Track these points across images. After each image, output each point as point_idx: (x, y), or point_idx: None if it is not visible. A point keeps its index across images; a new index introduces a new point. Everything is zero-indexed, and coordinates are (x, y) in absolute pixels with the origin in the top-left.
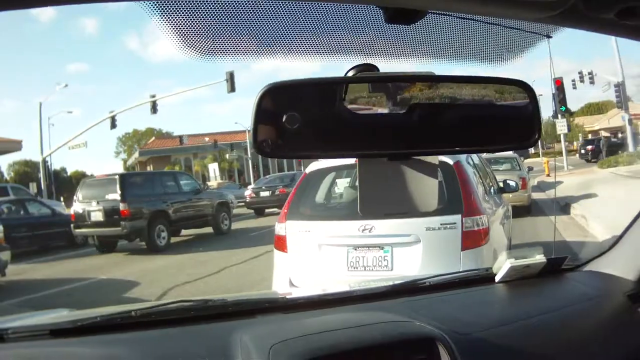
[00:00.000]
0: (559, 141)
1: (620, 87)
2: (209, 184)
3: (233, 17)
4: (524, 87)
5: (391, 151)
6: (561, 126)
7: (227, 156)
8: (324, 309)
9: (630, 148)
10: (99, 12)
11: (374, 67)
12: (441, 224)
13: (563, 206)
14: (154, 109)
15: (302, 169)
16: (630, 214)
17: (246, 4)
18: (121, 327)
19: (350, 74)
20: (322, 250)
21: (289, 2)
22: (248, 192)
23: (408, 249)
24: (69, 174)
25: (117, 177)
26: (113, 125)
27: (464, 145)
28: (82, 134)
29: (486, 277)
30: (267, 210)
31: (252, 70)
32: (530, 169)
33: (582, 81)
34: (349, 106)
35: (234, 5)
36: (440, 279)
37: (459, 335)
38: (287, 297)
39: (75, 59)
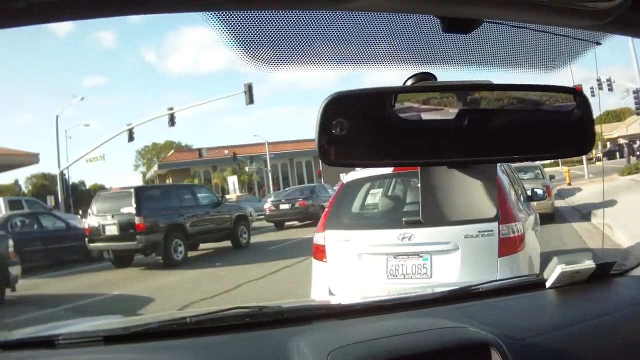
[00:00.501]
0: None
1: (639, 94)
2: (228, 196)
3: (295, 28)
4: (576, 94)
5: (450, 159)
6: None
7: (246, 169)
8: (378, 315)
9: None
10: (116, 24)
11: (431, 76)
12: (479, 232)
13: (585, 214)
14: (171, 121)
15: (322, 181)
16: None
17: (306, 16)
18: (175, 334)
19: (409, 82)
20: (362, 259)
21: (348, 14)
22: (268, 204)
23: (447, 257)
24: (87, 187)
25: (132, 190)
26: (131, 138)
27: (521, 152)
28: (100, 147)
29: (536, 283)
30: (287, 224)
31: (270, 83)
32: (552, 177)
33: (600, 88)
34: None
35: (295, 18)
36: (491, 286)
37: (512, 341)
38: (342, 303)
39: (92, 72)
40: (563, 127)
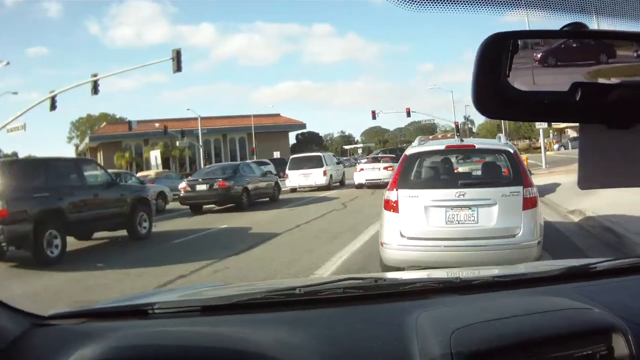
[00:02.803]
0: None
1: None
2: (146, 173)
3: None
4: None
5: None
6: None
7: (177, 143)
8: (499, 291)
9: None
10: None
11: (583, 26)
12: (510, 192)
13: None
14: (95, 89)
15: (255, 158)
16: None
17: None
18: (282, 305)
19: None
20: (427, 210)
21: None
22: (182, 184)
23: (488, 209)
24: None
25: None
26: (53, 106)
27: None
28: (31, 117)
29: None
30: (205, 207)
31: (209, 59)
32: None
33: None
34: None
35: None
36: (611, 264)
37: (636, 326)
38: (461, 277)
39: (36, 42)
40: None
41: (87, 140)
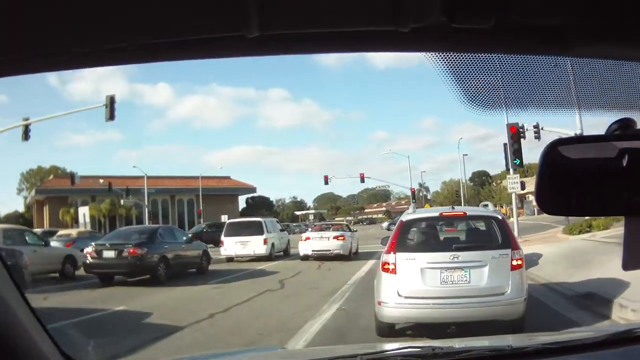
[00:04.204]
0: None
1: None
2: (66, 232)
3: (507, 76)
4: None
5: None
6: (513, 183)
7: (121, 202)
8: (551, 357)
9: None
10: None
11: (632, 122)
12: (500, 254)
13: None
14: (25, 135)
15: (202, 222)
16: None
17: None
18: None
19: (613, 127)
20: (423, 272)
21: (554, 59)
22: (88, 248)
23: (479, 270)
24: None
25: None
26: None
27: None
28: None
29: None
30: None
31: (166, 118)
32: None
33: (523, 137)
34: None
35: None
36: None
37: None
38: (512, 344)
39: None
40: None
41: (33, 192)
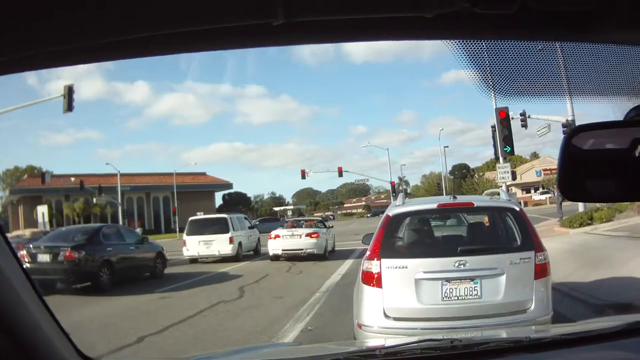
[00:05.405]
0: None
1: (569, 129)
2: (19, 232)
3: (525, 60)
4: None
5: None
6: (504, 172)
7: (94, 200)
8: (568, 348)
9: None
10: None
11: None
12: (520, 259)
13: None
14: None
15: (176, 219)
16: None
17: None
18: None
19: (633, 113)
20: (418, 284)
21: (572, 44)
22: (22, 251)
23: (494, 280)
24: None
25: None
26: None
27: None
28: None
29: None
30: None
31: (143, 116)
32: None
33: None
34: None
35: (526, 49)
36: None
37: None
38: (532, 336)
39: None
40: None
41: (7, 193)
